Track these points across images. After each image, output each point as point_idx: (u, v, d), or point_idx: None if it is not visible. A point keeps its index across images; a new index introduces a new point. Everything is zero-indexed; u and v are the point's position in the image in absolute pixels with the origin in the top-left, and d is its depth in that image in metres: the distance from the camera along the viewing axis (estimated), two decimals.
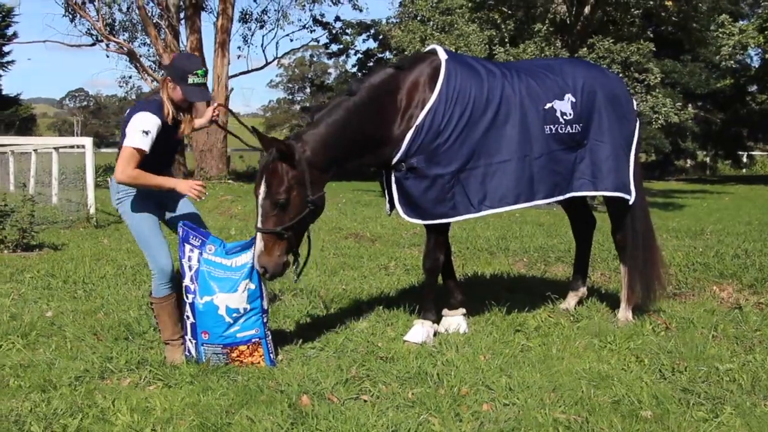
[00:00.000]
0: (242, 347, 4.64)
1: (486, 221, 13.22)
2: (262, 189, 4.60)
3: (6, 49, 39.39)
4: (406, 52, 19.44)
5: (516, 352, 4.97)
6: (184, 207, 4.97)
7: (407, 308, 5.97)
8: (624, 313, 5.87)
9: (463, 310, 5.59)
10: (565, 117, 5.32)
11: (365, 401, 4.07)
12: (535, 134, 5.21)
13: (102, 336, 5.31)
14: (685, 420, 3.84)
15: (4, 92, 41.53)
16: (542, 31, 18.73)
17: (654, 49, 19.03)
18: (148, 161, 4.53)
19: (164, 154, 4.72)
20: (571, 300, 6.26)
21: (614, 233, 5.98)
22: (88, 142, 13.93)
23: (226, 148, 24.96)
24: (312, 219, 4.79)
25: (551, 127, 5.27)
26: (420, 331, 5.25)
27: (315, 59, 73.20)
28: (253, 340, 4.64)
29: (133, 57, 26.27)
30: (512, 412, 3.94)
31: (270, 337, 4.72)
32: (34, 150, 17.27)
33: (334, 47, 36.58)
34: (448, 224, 5.29)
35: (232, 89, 24.86)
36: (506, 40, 19.48)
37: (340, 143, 4.80)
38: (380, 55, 34.64)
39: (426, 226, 5.25)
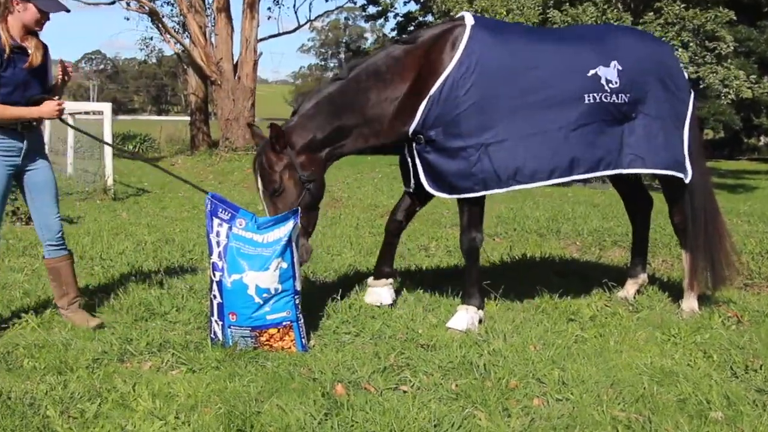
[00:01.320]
0: (272, 330, 4.66)
1: (535, 200, 13.13)
2: (258, 181, 5.04)
3: None
4: (451, 14, 19.26)
5: (569, 343, 4.92)
6: (42, 191, 5.04)
7: (449, 293, 5.97)
8: (688, 302, 5.79)
9: (389, 282, 5.79)
10: (610, 85, 5.26)
11: (405, 392, 4.07)
12: (574, 103, 5.17)
13: (121, 315, 5.37)
14: (761, 423, 3.76)
15: None
16: None
17: (735, 18, 18.54)
18: (6, 97, 4.63)
19: (23, 90, 4.73)
20: (630, 288, 6.18)
21: (672, 215, 5.93)
22: (106, 107, 14.05)
23: (253, 117, 25.04)
24: (315, 198, 5.12)
25: (594, 95, 5.21)
26: (464, 317, 5.24)
27: (350, 22, 73.15)
28: (284, 323, 4.66)
29: (155, 17, 26.35)
30: (566, 408, 3.91)
31: (302, 321, 4.74)
32: None
33: (371, 9, 36.38)
34: (482, 199, 5.29)
35: (260, 53, 24.91)
36: (563, 0, 19.18)
37: (325, 123, 5.07)
38: (421, 19, 34.26)
39: (458, 202, 5.30)
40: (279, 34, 29.81)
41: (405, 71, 5.12)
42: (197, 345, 4.75)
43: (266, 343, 4.68)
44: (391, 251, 5.92)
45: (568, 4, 19.09)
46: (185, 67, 27.36)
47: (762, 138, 44.30)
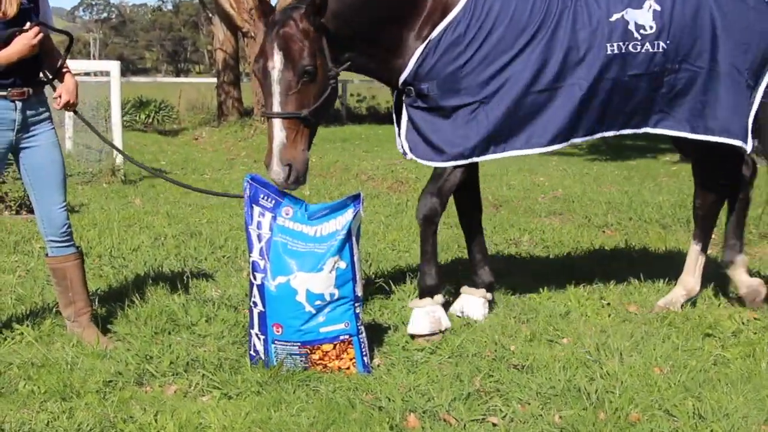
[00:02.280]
0: (327, 346, 4.71)
1: (657, 181, 12.96)
2: (278, 59, 4.79)
3: None
4: None
5: (707, 365, 4.87)
6: (43, 173, 5.11)
7: (548, 299, 5.98)
8: (672, 296, 6.00)
9: (488, 295, 5.84)
10: (642, 31, 5.34)
11: (494, 425, 4.10)
12: (591, 55, 5.30)
13: (138, 327, 5.47)
14: None
15: None
16: None
17: None
18: None
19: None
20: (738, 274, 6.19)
21: (699, 196, 6.09)
22: (114, 67, 14.17)
23: None
24: (332, 101, 5.15)
25: (619, 44, 5.32)
26: (422, 317, 5.33)
27: None
28: (342, 338, 4.70)
29: None
30: None
31: (364, 335, 4.79)
32: None
33: None
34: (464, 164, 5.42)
35: None
36: None
37: (353, 13, 5.07)
38: None
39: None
40: None
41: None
42: (233, 364, 4.83)
43: (319, 362, 4.74)
44: (482, 249, 5.99)
45: None
46: (210, 15, 27.66)
47: None
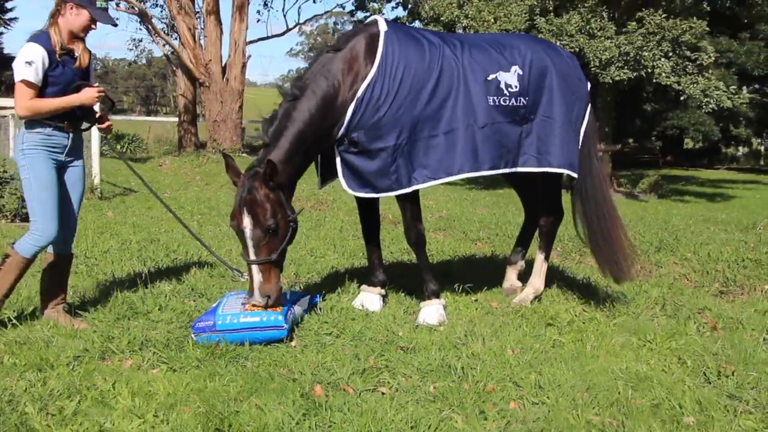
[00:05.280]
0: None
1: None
2: (247, 221, 4.85)
3: (9, 5, 39.54)
4: (441, 19, 19.29)
5: (547, 347, 4.94)
6: (72, 188, 5.12)
7: None
8: (524, 295, 6.08)
9: (383, 291, 5.85)
10: (510, 89, 5.56)
11: (383, 394, 4.07)
12: (479, 104, 5.44)
13: (104, 314, 5.33)
14: (731, 429, 3.79)
15: (5, 51, 41.67)
16: (588, 1, 18.48)
17: (707, 28, 18.69)
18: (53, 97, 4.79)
19: (67, 91, 4.86)
20: (511, 274, 6.50)
21: (541, 215, 6.23)
22: (96, 107, 13.93)
23: (241, 119, 24.96)
24: (293, 238, 5.12)
25: (495, 98, 5.50)
26: (433, 311, 5.45)
27: (339, 27, 72.95)
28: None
29: (144, 18, 26.24)
30: (541, 411, 3.92)
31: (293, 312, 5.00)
32: None
33: (360, 14, 36.28)
34: (417, 194, 5.49)
35: (249, 56, 24.77)
36: (549, 9, 19.27)
37: (300, 152, 5.09)
38: (410, 24, 34.35)
39: (397, 199, 5.46)
40: (268, 37, 29.85)
41: (343, 76, 5.21)
42: (178, 344, 4.73)
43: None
44: (379, 256, 6.00)
45: (553, 13, 19.18)
46: (174, 68, 27.23)
47: (740, 148, 44.62)
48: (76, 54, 4.94)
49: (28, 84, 4.69)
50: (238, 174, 4.98)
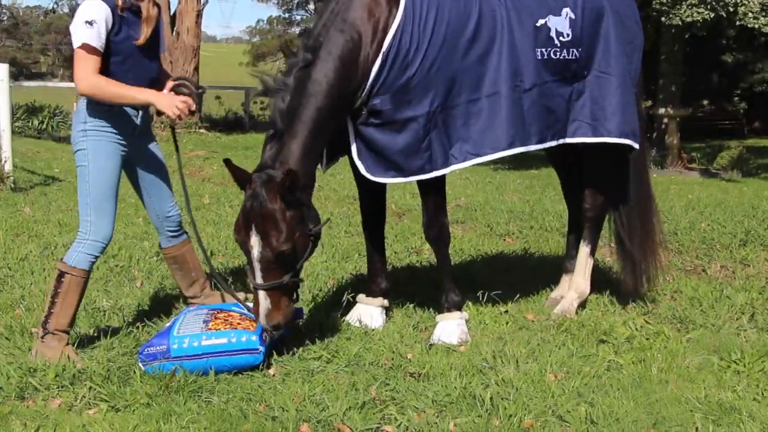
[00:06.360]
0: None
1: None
2: (255, 240, 4.83)
3: None
4: None
5: (600, 371, 4.98)
6: (153, 167, 5.37)
7: None
8: (566, 303, 6.15)
9: (385, 302, 5.88)
10: (561, 38, 5.59)
11: None
12: (527, 58, 5.47)
13: (22, 339, 5.35)
14: None
15: None
16: None
17: None
18: (117, 73, 4.89)
19: (133, 61, 4.99)
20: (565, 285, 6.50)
21: (587, 200, 6.24)
22: (2, 69, 13.90)
23: (197, 83, 24.99)
24: (312, 252, 5.20)
25: (543, 50, 5.53)
26: (452, 327, 5.51)
27: None
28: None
29: None
30: None
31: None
32: None
33: None
34: (444, 179, 5.50)
35: (206, 2, 24.75)
36: None
37: (320, 135, 5.07)
38: None
39: (419, 186, 5.50)
40: None
41: (363, 25, 5.16)
42: (122, 376, 4.77)
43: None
44: (382, 258, 6.03)
45: None
46: None
47: None
48: (144, 12, 4.98)
49: (89, 49, 4.78)
50: (247, 178, 4.92)
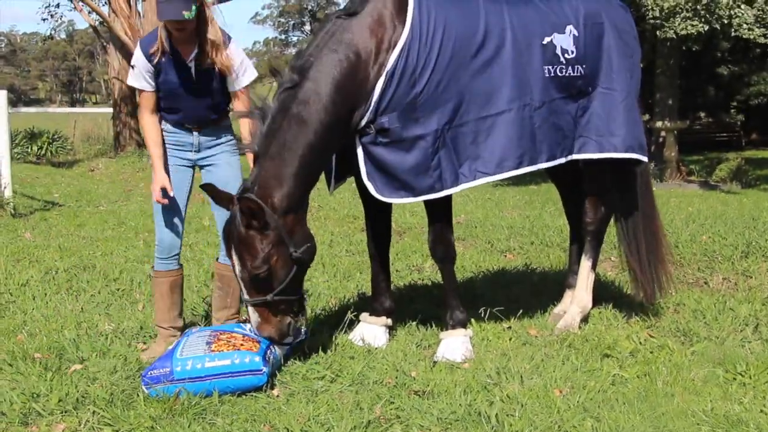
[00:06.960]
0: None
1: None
2: (235, 261, 5.04)
3: None
4: None
5: (605, 385, 4.97)
6: (216, 180, 5.40)
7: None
8: (569, 317, 6.15)
9: (389, 321, 5.88)
10: (566, 55, 5.62)
11: None
12: (535, 76, 5.50)
13: (25, 365, 5.33)
14: None
15: None
16: None
17: None
18: (164, 108, 5.47)
19: (174, 100, 5.42)
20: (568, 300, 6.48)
21: (587, 213, 6.23)
22: (1, 96, 13.92)
23: None
24: (305, 270, 5.34)
25: (550, 68, 5.57)
26: (456, 344, 5.49)
27: None
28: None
29: None
30: None
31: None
32: None
33: None
34: (450, 197, 5.48)
35: None
36: None
37: (313, 161, 5.10)
38: None
39: (426, 204, 5.49)
40: None
41: (363, 46, 5.16)
42: (126, 399, 4.75)
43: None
44: (387, 278, 6.02)
45: None
46: (105, 43, 27.32)
47: None
48: (190, 57, 5.30)
49: (138, 91, 5.47)
50: (230, 198, 5.02)
